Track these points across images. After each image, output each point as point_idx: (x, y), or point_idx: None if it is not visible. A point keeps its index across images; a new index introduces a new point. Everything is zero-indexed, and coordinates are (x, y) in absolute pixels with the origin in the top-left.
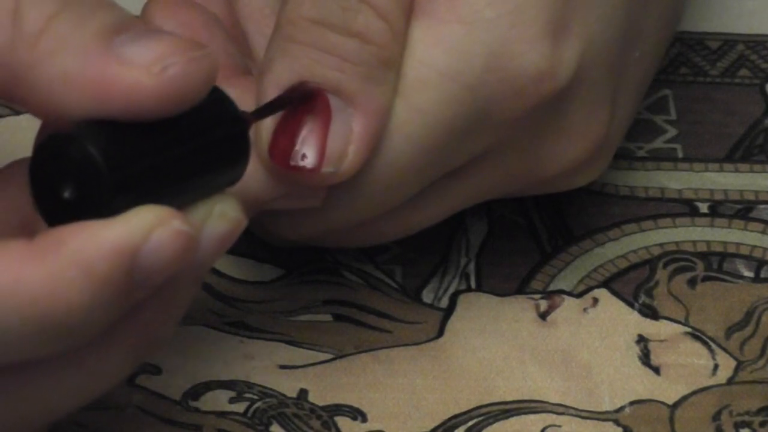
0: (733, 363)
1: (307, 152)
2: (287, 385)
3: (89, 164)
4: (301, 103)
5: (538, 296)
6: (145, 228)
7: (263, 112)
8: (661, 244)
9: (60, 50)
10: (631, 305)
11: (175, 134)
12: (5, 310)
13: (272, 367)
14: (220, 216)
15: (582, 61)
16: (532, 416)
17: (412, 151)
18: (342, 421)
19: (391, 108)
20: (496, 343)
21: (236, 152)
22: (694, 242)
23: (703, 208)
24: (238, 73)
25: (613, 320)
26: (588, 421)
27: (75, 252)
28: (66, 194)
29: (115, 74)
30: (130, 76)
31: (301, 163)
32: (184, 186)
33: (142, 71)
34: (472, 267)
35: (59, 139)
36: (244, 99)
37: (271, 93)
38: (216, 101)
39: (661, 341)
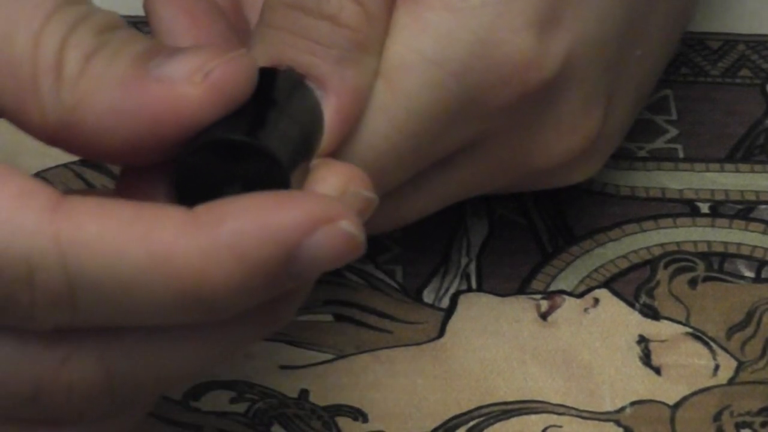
0: (734, 363)
1: None
2: (288, 386)
3: (265, 158)
4: None
5: (538, 296)
6: (311, 221)
7: None
8: (662, 245)
9: (99, 87)
10: (632, 305)
11: (276, 108)
12: (153, 277)
13: (273, 367)
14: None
15: (572, 54)
16: (533, 417)
17: (394, 135)
18: (343, 422)
19: (369, 91)
20: (496, 344)
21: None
22: (695, 242)
23: (704, 208)
24: None
25: (614, 320)
26: (589, 421)
27: (232, 234)
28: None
29: (157, 95)
30: (173, 93)
31: None
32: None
33: (185, 84)
34: (472, 267)
35: (218, 143)
36: None
37: None
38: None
39: (662, 341)
